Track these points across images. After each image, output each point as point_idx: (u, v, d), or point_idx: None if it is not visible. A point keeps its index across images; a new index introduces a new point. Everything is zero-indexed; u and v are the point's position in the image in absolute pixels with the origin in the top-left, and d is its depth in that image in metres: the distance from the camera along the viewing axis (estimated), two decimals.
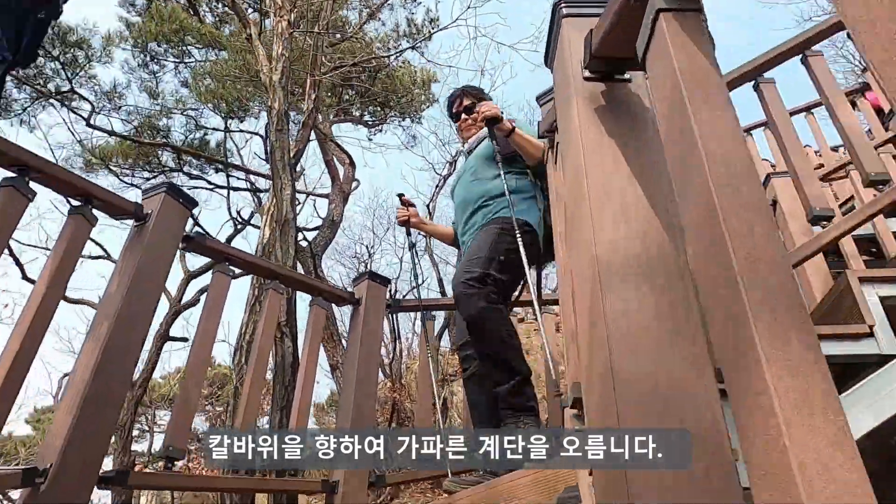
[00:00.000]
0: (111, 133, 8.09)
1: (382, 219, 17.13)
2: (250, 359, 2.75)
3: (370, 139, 13.73)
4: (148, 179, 10.13)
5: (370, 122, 13.25)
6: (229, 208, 11.87)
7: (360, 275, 3.04)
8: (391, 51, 11.90)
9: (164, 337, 10.64)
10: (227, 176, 10.60)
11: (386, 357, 12.25)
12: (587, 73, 1.17)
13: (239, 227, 12.24)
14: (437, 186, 11.62)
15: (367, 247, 13.14)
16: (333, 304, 3.20)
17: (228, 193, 11.59)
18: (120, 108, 8.75)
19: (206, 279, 10.58)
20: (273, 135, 4.68)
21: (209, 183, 10.44)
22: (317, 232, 9.68)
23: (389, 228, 14.00)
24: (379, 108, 13.01)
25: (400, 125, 13.46)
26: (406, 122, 13.50)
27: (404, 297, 11.98)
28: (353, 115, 12.88)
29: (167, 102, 9.13)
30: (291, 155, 4.60)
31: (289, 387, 3.71)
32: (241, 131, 10.77)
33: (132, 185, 10.07)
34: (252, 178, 11.61)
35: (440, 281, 10.48)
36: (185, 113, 9.20)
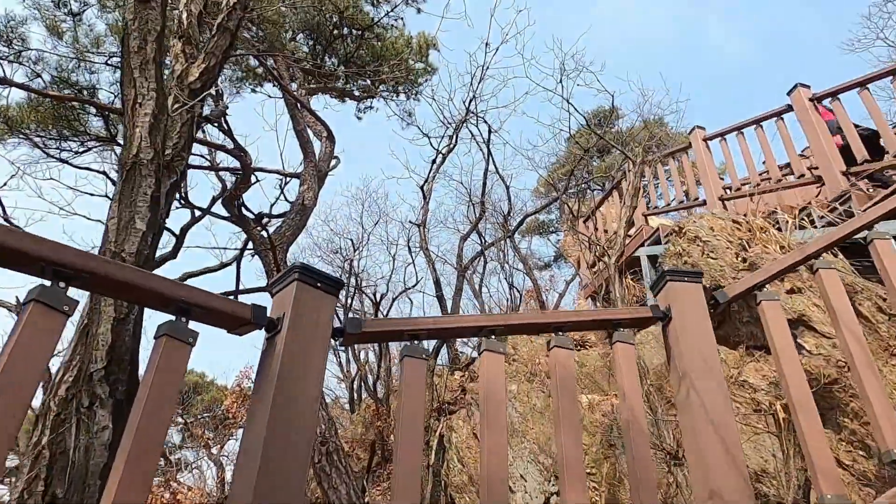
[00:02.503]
0: (2, 81, 6.10)
1: (372, 208, 15.16)
2: None
3: (359, 117, 11.87)
4: (78, 153, 8.12)
5: (358, 96, 11.32)
6: (186, 192, 9.86)
7: (282, 273, 1.59)
8: (381, 5, 9.94)
9: None
10: None
11: (371, 374, 10.24)
12: None
13: (198, 215, 10.20)
14: (433, 163, 9.59)
15: (352, 241, 11.14)
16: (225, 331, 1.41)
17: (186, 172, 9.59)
18: (20, 53, 6.78)
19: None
20: (131, 9, 2.52)
21: None
22: (282, 219, 7.64)
23: (379, 220, 12.03)
24: (368, 81, 11.15)
25: (393, 100, 11.55)
26: (401, 97, 11.60)
27: (392, 302, 9.93)
28: (335, 87, 10.90)
29: (90, 50, 7.16)
30: (165, 51, 2.35)
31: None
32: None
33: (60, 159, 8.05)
34: (217, 154, 9.57)
35: (437, 283, 8.43)
36: (109, 62, 7.22)
